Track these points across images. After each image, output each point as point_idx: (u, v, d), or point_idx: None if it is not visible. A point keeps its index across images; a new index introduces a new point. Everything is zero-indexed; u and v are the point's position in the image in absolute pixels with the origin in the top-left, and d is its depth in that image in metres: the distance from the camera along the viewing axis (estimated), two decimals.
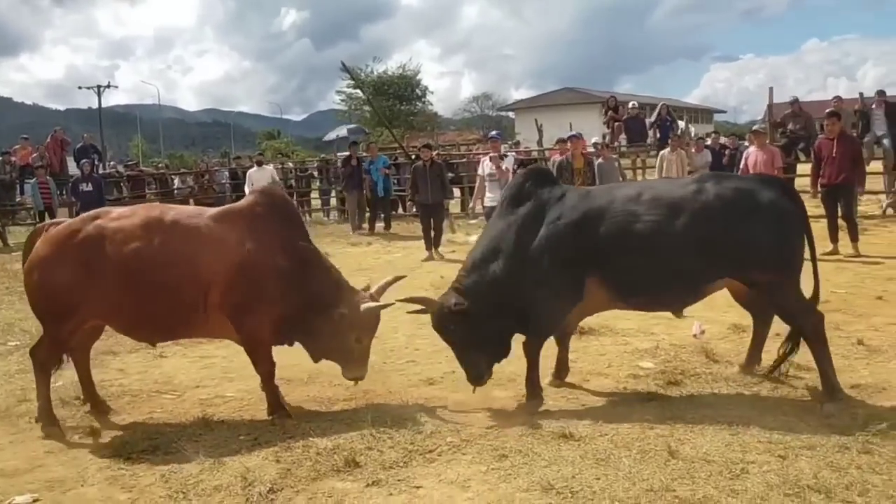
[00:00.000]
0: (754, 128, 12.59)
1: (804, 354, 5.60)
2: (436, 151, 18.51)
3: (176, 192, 20.85)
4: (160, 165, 26.09)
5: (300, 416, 4.93)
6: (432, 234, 11.89)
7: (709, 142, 17.39)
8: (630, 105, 17.35)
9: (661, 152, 13.08)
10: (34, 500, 3.87)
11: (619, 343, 6.31)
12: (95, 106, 52.47)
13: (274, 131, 71.32)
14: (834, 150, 10.11)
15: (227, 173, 20.58)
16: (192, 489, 3.86)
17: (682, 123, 17.69)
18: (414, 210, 15.20)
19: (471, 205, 11.13)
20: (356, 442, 4.27)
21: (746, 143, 15.56)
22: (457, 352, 4.94)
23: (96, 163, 18.06)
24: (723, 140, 16.33)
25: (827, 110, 11.61)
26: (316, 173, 22.12)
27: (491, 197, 10.28)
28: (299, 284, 4.85)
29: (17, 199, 18.25)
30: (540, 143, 20.05)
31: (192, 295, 4.72)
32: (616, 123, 16.92)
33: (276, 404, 4.93)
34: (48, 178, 16.67)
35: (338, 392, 5.45)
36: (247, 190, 15.40)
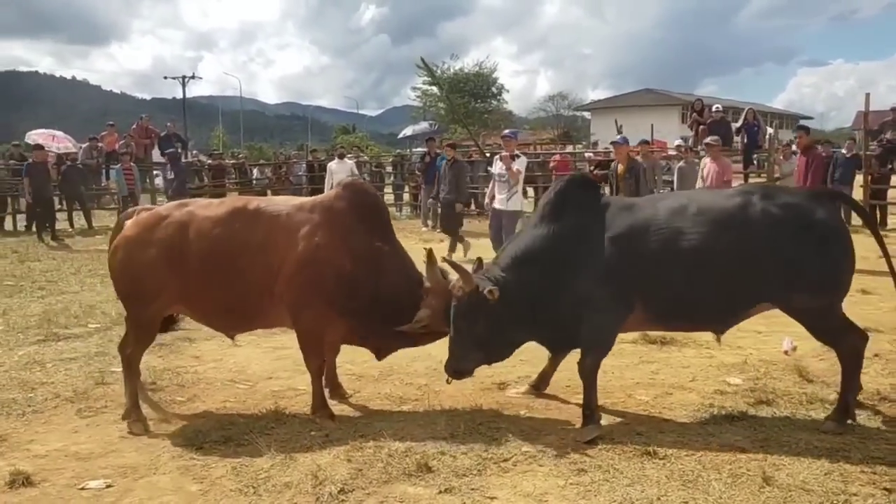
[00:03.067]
0: (706, 140, 12.68)
1: None
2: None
3: (254, 182, 21.25)
4: (240, 156, 26.64)
5: (371, 415, 4.85)
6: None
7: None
8: (714, 108, 16.76)
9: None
10: (107, 486, 3.86)
11: (704, 356, 6.02)
12: (179, 96, 54.13)
13: (349, 126, 72.26)
14: (798, 164, 10.48)
15: (304, 165, 20.83)
16: (262, 484, 3.79)
17: (770, 130, 17.00)
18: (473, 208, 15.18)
19: (485, 202, 10.82)
20: (429, 446, 4.15)
21: (844, 151, 14.89)
22: (457, 338, 4.62)
23: (180, 151, 18.48)
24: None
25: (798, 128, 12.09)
26: (390, 168, 22.23)
27: (500, 198, 9.79)
28: (368, 286, 4.69)
29: (103, 184, 18.87)
30: None
31: (265, 282, 4.68)
32: (700, 127, 16.38)
33: (321, 403, 4.81)
34: (132, 164, 17.16)
35: (409, 391, 5.35)
36: (327, 182, 15.55)
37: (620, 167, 10.05)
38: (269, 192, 20.35)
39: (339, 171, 15.01)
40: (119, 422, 4.78)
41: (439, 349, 5.63)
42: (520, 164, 10.12)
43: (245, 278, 4.68)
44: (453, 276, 4.74)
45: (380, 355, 5.20)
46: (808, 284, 4.28)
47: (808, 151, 10.42)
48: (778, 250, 4.25)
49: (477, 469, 3.89)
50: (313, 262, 4.62)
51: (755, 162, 17.32)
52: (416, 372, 5.76)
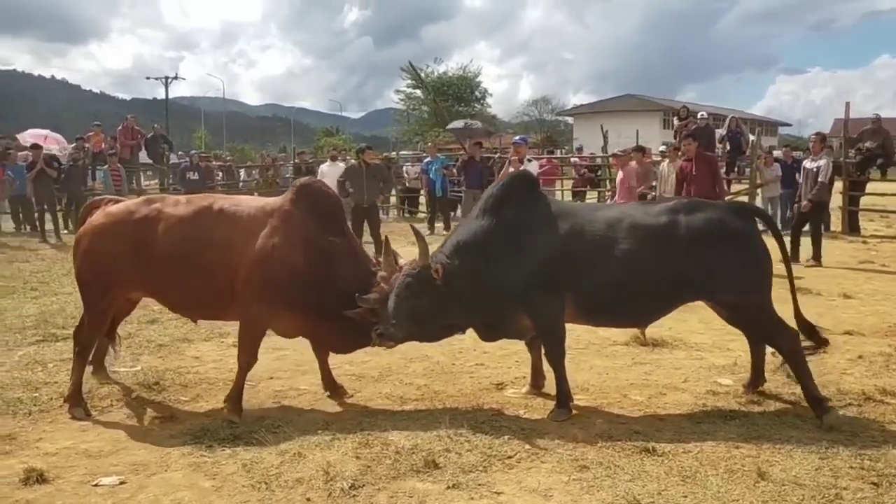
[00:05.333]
0: (615, 151, 13.68)
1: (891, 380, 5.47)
2: (497, 154, 18.54)
3: (241, 184, 21.28)
4: (227, 158, 26.66)
5: (374, 414, 4.95)
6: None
7: (778, 154, 17.05)
8: (699, 116, 17.03)
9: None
10: (120, 483, 3.93)
11: (695, 357, 6.19)
12: (160, 97, 54.16)
13: (332, 128, 72.25)
14: (694, 170, 10.73)
15: (291, 167, 20.89)
16: (274, 480, 3.88)
17: (752, 137, 17.30)
18: None
19: None
20: (434, 443, 4.26)
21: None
22: (396, 305, 4.74)
23: (167, 153, 18.44)
24: (796, 154, 15.99)
25: (684, 132, 13.05)
26: None
27: None
28: (323, 282, 4.86)
29: (89, 185, 18.77)
30: (605, 149, 19.83)
31: (225, 279, 4.84)
32: (685, 132, 16.63)
33: (236, 398, 4.93)
34: (119, 165, 17.12)
35: (409, 391, 5.47)
36: None
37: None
38: (255, 193, 20.45)
39: (331, 173, 15.04)
40: (126, 420, 4.88)
41: (437, 351, 5.78)
42: (531, 169, 10.43)
43: (206, 274, 4.87)
44: (403, 259, 5.08)
45: (338, 350, 5.33)
46: (730, 286, 4.75)
47: (699, 158, 10.94)
48: (700, 258, 4.70)
49: (482, 465, 4.01)
50: (268, 262, 4.79)
51: (737, 168, 17.63)
52: (415, 372, 5.89)
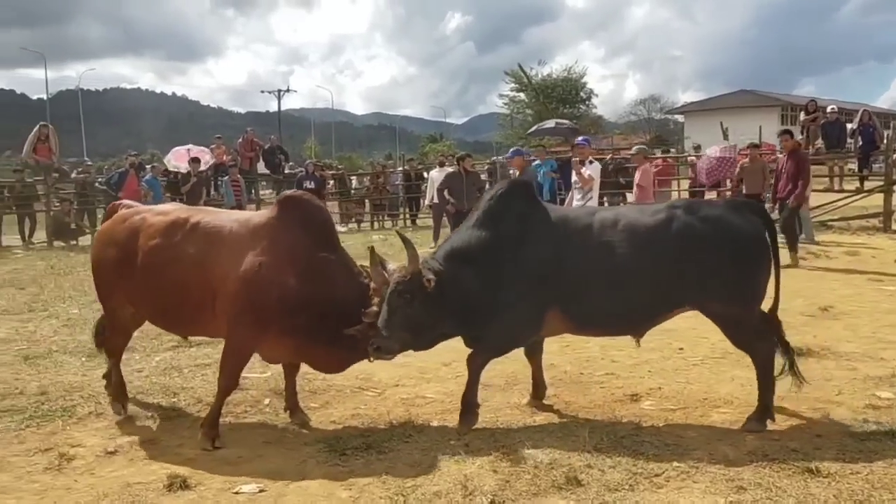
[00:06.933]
0: (635, 146, 13.46)
1: None
2: (609, 155, 18.17)
3: (353, 191, 21.68)
4: (339, 167, 27.35)
5: (506, 425, 4.80)
6: None
7: None
8: (829, 109, 16.09)
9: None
10: (260, 490, 3.94)
11: (846, 368, 5.73)
12: (272, 109, 56.10)
13: (436, 134, 73.07)
14: (784, 166, 10.56)
15: (400, 175, 21.14)
16: (411, 493, 3.78)
17: (887, 131, 16.23)
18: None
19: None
20: (574, 458, 4.06)
21: None
22: (389, 315, 4.48)
23: (283, 163, 18.96)
24: None
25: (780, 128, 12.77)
26: (484, 176, 22.25)
27: (576, 204, 10.24)
28: (315, 301, 4.54)
29: (211, 195, 19.54)
30: None
31: (202, 295, 4.64)
32: (812, 127, 15.77)
33: (213, 422, 4.65)
34: (239, 176, 17.75)
35: (538, 401, 5.28)
36: (428, 190, 15.69)
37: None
38: (366, 200, 20.86)
39: (439, 179, 15.10)
40: (261, 426, 4.92)
41: (564, 359, 5.57)
42: (592, 171, 10.24)
43: (182, 289, 4.69)
44: (393, 265, 4.86)
45: (330, 370, 5.13)
46: (723, 293, 4.57)
47: (793, 154, 10.70)
48: (696, 263, 4.52)
49: (628, 484, 3.78)
50: (256, 282, 4.50)
51: (869, 164, 16.55)
52: None
